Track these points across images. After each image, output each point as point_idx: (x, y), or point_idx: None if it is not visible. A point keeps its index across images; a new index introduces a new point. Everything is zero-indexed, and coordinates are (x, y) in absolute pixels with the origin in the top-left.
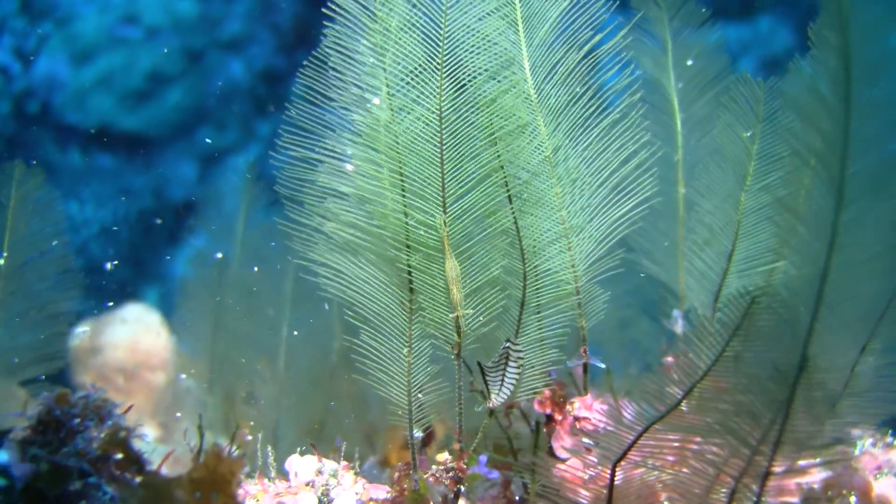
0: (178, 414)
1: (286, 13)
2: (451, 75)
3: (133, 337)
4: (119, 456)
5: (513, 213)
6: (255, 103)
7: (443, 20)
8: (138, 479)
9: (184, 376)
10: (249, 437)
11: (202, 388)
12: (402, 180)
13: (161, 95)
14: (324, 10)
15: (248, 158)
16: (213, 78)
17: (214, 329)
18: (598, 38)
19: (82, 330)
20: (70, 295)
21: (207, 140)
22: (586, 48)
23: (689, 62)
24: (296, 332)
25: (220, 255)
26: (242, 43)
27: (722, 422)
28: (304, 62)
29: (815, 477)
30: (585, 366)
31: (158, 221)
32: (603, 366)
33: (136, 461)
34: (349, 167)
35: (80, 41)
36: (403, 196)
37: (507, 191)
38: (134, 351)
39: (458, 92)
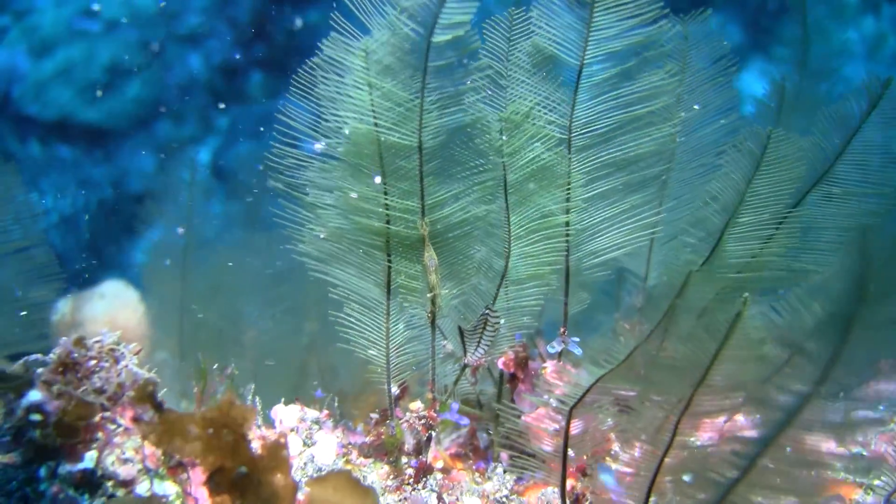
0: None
1: (243, 7)
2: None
3: (111, 311)
4: (131, 393)
5: (507, 207)
6: (213, 96)
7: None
8: (155, 415)
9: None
10: (231, 368)
11: (176, 360)
12: (385, 194)
13: (120, 88)
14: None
15: (197, 153)
16: (172, 71)
17: (181, 308)
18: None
19: (62, 306)
20: (50, 285)
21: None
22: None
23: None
24: (260, 318)
25: (181, 230)
26: (201, 36)
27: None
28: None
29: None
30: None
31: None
32: (580, 351)
33: (154, 404)
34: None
35: (38, 33)
36: (387, 209)
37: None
38: (112, 325)
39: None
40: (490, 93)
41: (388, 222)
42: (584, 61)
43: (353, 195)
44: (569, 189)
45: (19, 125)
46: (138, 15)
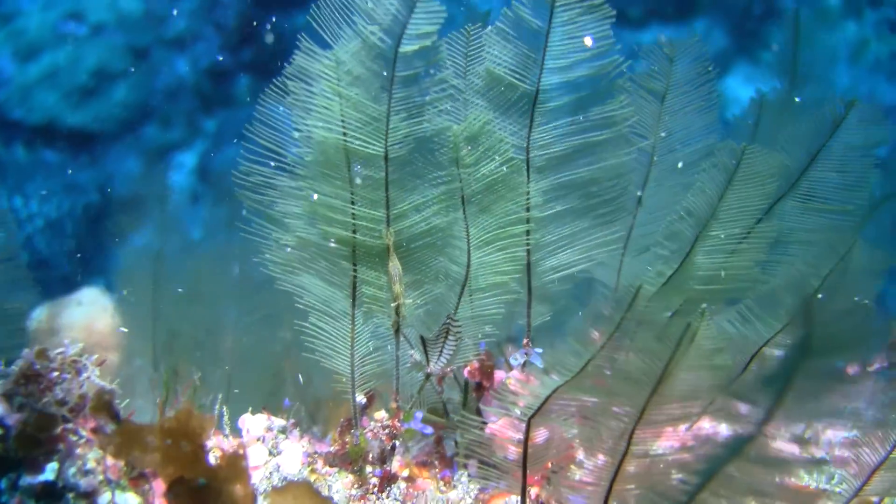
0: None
1: (230, 11)
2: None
3: (88, 319)
4: (91, 404)
5: (465, 219)
6: (201, 100)
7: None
8: (113, 427)
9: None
10: (196, 378)
11: (151, 368)
12: (353, 205)
13: (106, 92)
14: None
15: (193, 155)
16: (159, 75)
17: (155, 317)
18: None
19: (39, 313)
20: (25, 294)
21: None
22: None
23: None
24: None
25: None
26: (187, 40)
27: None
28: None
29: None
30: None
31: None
32: (541, 363)
33: (111, 414)
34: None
35: (24, 37)
36: (354, 218)
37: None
38: (89, 332)
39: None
40: (451, 106)
41: (354, 232)
42: (540, 87)
43: (319, 203)
44: (528, 204)
45: (4, 129)
46: (125, 19)
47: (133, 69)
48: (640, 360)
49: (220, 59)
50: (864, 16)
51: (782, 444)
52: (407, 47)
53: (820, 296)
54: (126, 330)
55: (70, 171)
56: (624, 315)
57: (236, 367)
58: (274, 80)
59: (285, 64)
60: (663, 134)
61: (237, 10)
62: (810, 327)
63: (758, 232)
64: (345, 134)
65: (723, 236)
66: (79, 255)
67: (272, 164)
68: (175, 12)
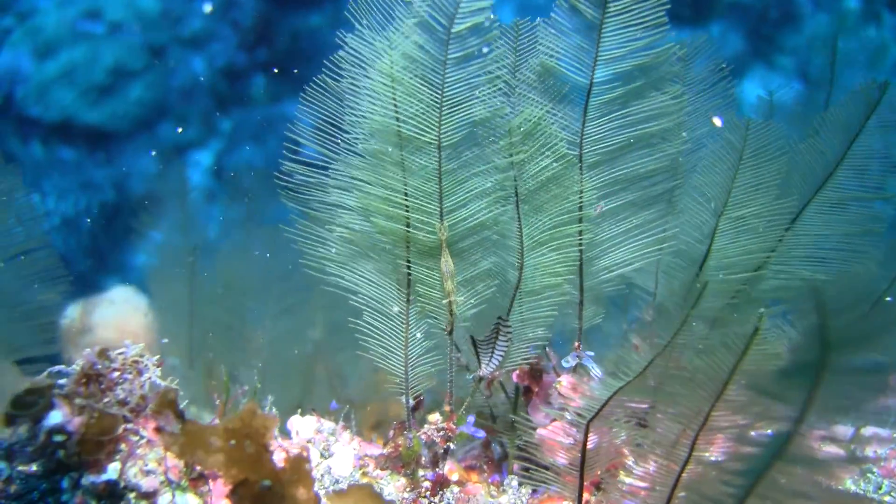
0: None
1: (247, 11)
2: (451, 113)
3: (121, 317)
4: (155, 404)
5: (519, 217)
6: (217, 99)
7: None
8: (178, 427)
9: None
10: (255, 382)
11: (185, 366)
12: (406, 198)
13: (123, 90)
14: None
15: (208, 154)
16: (175, 74)
17: (190, 314)
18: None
19: (72, 311)
20: (56, 287)
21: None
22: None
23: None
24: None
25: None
26: (204, 40)
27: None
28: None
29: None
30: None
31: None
32: (594, 368)
33: (177, 413)
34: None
35: (42, 35)
36: (407, 211)
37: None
38: (122, 330)
39: (457, 129)
40: (503, 101)
41: (407, 225)
42: (594, 80)
43: (371, 196)
44: (581, 202)
45: (22, 126)
46: (142, 17)
47: (156, 63)
48: (704, 362)
49: (239, 59)
50: (882, 20)
51: (827, 449)
52: (460, 25)
53: (889, 298)
54: (167, 340)
55: (85, 169)
56: (688, 315)
57: (268, 366)
58: (325, 65)
59: (304, 63)
60: (684, 134)
61: (254, 10)
62: (824, 319)
63: (793, 227)
64: (397, 119)
65: (741, 220)
66: (95, 252)
67: (321, 155)
68: (209, 9)
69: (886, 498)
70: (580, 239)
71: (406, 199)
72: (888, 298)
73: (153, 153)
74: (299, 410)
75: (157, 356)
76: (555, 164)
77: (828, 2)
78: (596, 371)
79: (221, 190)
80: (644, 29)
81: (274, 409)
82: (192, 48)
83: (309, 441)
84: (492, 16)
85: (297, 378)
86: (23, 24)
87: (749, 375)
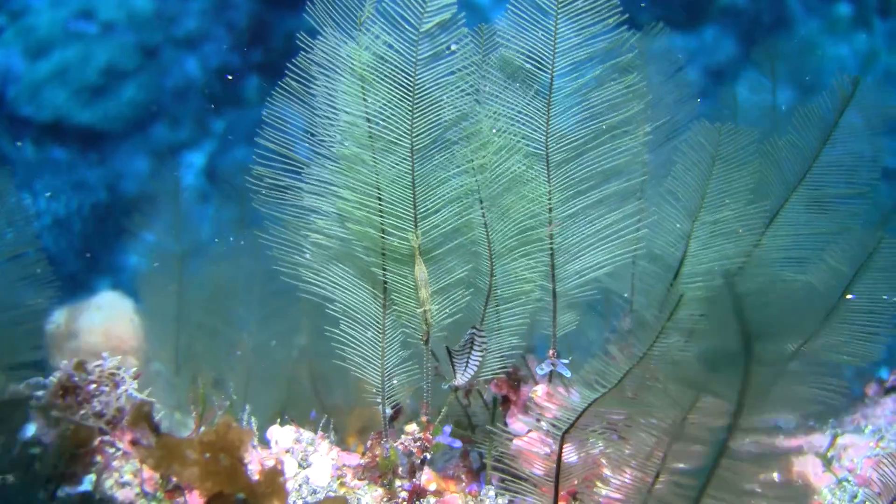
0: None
1: (241, 11)
2: (423, 118)
3: (107, 323)
4: (130, 416)
5: (484, 222)
6: (210, 100)
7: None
8: (153, 440)
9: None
10: (230, 393)
11: (171, 372)
12: (379, 202)
13: (115, 90)
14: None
15: (201, 155)
16: (168, 74)
17: (177, 319)
18: None
19: (58, 316)
20: (43, 292)
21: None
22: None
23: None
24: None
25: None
26: (197, 40)
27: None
28: (276, 89)
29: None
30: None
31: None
32: (569, 374)
33: (152, 427)
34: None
35: (34, 34)
36: (381, 216)
37: (482, 207)
38: (108, 336)
39: (429, 130)
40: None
41: (382, 231)
42: (554, 72)
43: (344, 200)
44: (549, 204)
45: (13, 126)
46: (135, 17)
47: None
48: (681, 373)
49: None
50: (873, 27)
51: (803, 460)
52: (429, 23)
53: (850, 296)
54: (153, 346)
55: (77, 170)
56: (665, 325)
57: (253, 372)
58: (291, 74)
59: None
60: (648, 127)
61: (248, 11)
62: (740, 309)
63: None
64: (368, 121)
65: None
66: (87, 254)
67: (294, 159)
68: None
69: None
70: (550, 242)
71: (380, 203)
72: (850, 296)
73: (146, 154)
74: (279, 420)
75: (134, 367)
76: (521, 164)
77: (819, 7)
78: (566, 374)
79: (214, 191)
80: (599, 15)
81: (253, 420)
82: (186, 49)
83: (287, 451)
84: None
85: (282, 384)
86: (15, 23)
87: (678, 367)
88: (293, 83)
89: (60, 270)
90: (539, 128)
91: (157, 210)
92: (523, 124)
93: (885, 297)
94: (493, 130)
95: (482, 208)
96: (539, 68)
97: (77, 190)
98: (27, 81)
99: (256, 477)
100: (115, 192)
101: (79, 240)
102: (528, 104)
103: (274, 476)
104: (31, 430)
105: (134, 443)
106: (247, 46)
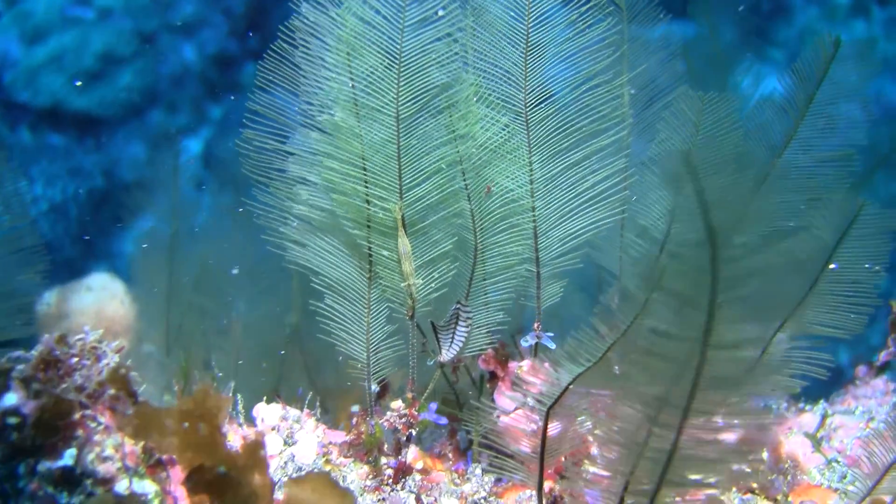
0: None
1: None
2: (409, 86)
3: (98, 304)
4: (111, 391)
5: (468, 195)
6: (207, 86)
7: (400, 40)
8: (131, 409)
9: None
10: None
11: (162, 353)
12: (364, 172)
13: (112, 76)
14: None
15: (198, 141)
16: (165, 60)
17: (168, 300)
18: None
19: (49, 297)
20: (36, 270)
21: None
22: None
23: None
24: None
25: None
26: (195, 26)
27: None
28: (266, 53)
29: (731, 435)
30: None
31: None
32: (553, 346)
33: (130, 394)
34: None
35: (31, 20)
36: (366, 186)
37: (465, 179)
38: (99, 317)
39: (414, 98)
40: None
41: (367, 202)
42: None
43: (330, 170)
44: (530, 167)
45: (10, 112)
46: (132, 3)
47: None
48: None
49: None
50: (872, 14)
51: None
52: None
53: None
54: (144, 327)
55: (74, 155)
56: (649, 297)
57: (245, 353)
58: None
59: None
60: (632, 90)
61: None
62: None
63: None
64: (353, 87)
65: None
66: (84, 238)
67: (283, 124)
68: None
69: (850, 487)
70: (532, 206)
71: (364, 173)
72: (832, 265)
73: (142, 140)
74: (265, 398)
75: (120, 342)
76: (502, 129)
77: None
78: (551, 346)
79: (211, 177)
80: None
81: (238, 397)
82: (183, 35)
83: (273, 428)
84: None
85: (274, 365)
86: (11, 8)
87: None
88: (283, 45)
89: (57, 256)
90: (517, 82)
91: (154, 196)
92: (503, 81)
93: (867, 265)
94: (474, 84)
95: (465, 179)
96: (516, 19)
97: (73, 176)
98: (24, 67)
99: (237, 450)
100: (112, 178)
101: (75, 225)
102: (505, 56)
103: (255, 448)
104: (10, 399)
105: (113, 409)
106: (245, 33)
